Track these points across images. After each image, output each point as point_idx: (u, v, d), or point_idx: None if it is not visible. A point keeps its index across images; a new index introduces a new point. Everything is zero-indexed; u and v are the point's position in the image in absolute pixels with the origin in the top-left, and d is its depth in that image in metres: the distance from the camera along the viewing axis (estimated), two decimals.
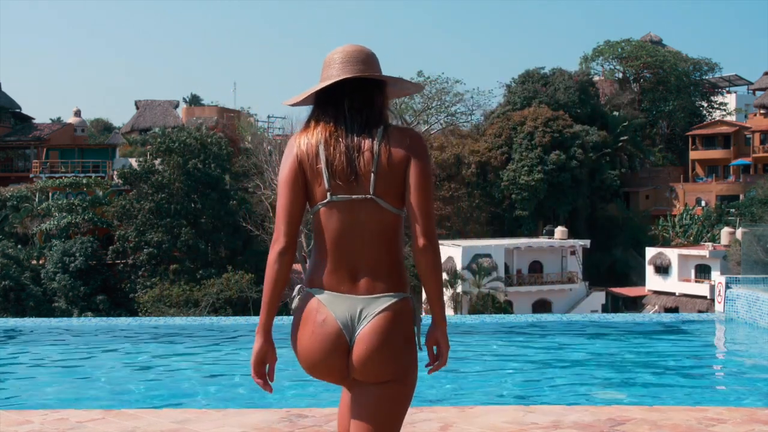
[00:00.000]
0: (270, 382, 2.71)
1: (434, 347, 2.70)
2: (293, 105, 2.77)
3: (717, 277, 14.50)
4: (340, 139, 2.62)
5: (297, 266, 44.40)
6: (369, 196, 2.60)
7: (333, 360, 2.61)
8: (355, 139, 2.62)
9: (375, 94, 2.69)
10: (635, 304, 46.64)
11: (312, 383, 6.64)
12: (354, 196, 2.61)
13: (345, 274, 2.63)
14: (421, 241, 2.60)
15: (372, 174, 2.59)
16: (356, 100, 2.66)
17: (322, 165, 2.61)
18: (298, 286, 2.70)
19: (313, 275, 2.67)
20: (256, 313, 36.02)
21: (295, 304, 2.70)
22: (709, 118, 70.69)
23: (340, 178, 2.60)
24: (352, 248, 2.63)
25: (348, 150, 2.61)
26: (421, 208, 2.59)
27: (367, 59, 2.70)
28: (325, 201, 2.62)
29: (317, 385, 6.55)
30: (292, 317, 2.74)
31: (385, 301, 2.60)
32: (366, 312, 2.59)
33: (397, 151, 2.61)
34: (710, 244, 45.23)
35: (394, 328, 2.59)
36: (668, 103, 67.55)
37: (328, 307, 2.62)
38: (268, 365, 2.70)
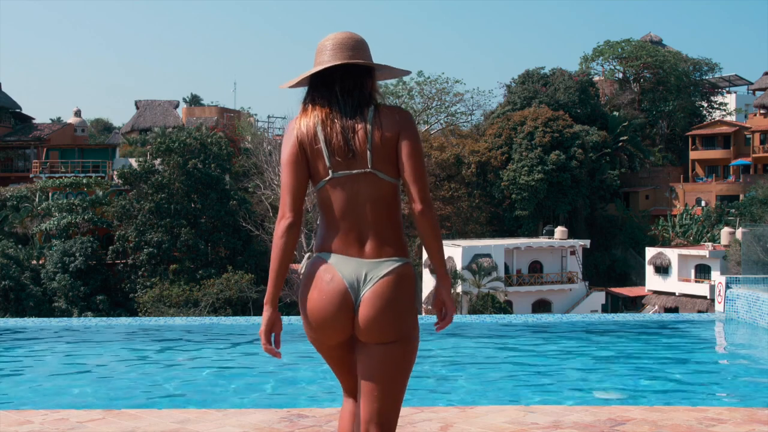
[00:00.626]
0: (277, 349, 2.84)
1: (441, 307, 2.89)
2: (289, 87, 2.96)
3: (717, 277, 14.50)
4: (336, 120, 2.83)
5: (297, 266, 44.40)
6: (368, 169, 2.81)
7: (339, 316, 2.77)
8: (349, 120, 2.83)
9: (364, 78, 2.89)
10: (635, 304, 46.64)
11: (312, 383, 6.63)
12: (354, 171, 2.82)
13: (351, 240, 2.83)
14: (418, 206, 2.82)
15: (368, 151, 2.81)
16: (347, 84, 2.87)
17: (322, 144, 2.82)
18: (307, 254, 2.77)
19: (322, 243, 2.86)
20: (256, 313, 36.07)
21: (303, 269, 2.79)
22: (709, 118, 70.69)
23: (339, 156, 2.82)
24: (356, 217, 2.83)
25: (344, 130, 2.82)
26: (415, 176, 2.81)
27: (357, 45, 2.90)
28: (327, 178, 2.83)
29: (317, 385, 6.55)
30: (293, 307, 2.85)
31: (389, 266, 2.80)
32: (371, 275, 2.78)
33: (388, 127, 2.83)
34: (710, 244, 45.23)
35: (398, 291, 2.78)
36: (668, 103, 67.53)
37: (336, 268, 2.80)
38: (274, 334, 2.84)
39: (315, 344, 2.91)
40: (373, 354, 2.81)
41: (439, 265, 2.89)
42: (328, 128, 2.83)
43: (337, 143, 2.82)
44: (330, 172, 2.83)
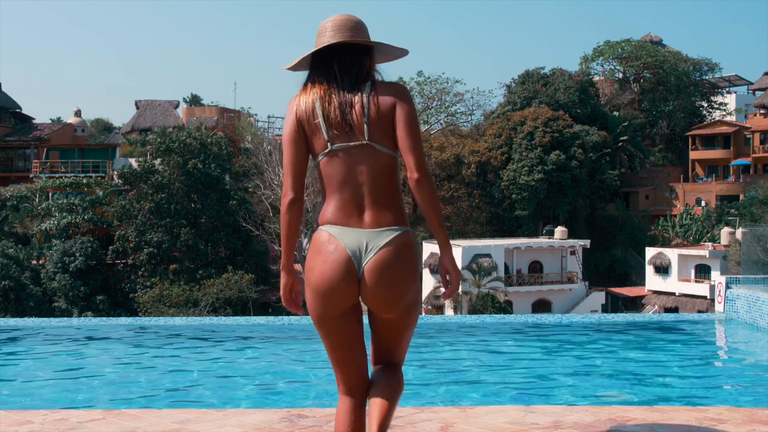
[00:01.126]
0: (299, 305, 3.07)
1: (446, 275, 3.00)
2: (289, 69, 3.07)
3: (717, 277, 14.49)
4: (334, 96, 2.94)
5: (297, 266, 44.38)
6: (365, 141, 2.92)
7: (343, 285, 2.90)
8: (347, 95, 2.94)
9: (363, 57, 3.00)
10: (635, 304, 46.64)
11: (313, 384, 6.63)
12: (352, 143, 2.93)
13: (351, 211, 2.94)
14: (414, 175, 2.90)
15: (365, 124, 2.91)
16: (345, 62, 2.98)
17: (320, 119, 2.93)
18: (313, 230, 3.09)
19: (323, 215, 2.99)
20: (256, 313, 36.01)
21: (305, 244, 2.94)
22: (709, 118, 70.69)
23: (336, 129, 2.93)
24: (355, 189, 2.94)
25: (341, 105, 2.93)
26: (411, 146, 2.90)
27: (356, 26, 3.01)
28: (326, 150, 2.95)
29: (318, 385, 6.55)
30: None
31: (388, 235, 2.92)
32: (371, 245, 2.90)
33: (384, 101, 2.93)
34: (710, 244, 45.22)
35: (398, 259, 2.90)
36: (668, 103, 67.52)
37: (338, 238, 2.92)
38: (294, 293, 3.06)
39: (318, 318, 3.00)
40: (380, 322, 3.01)
41: (439, 234, 2.97)
42: (326, 103, 2.93)
43: (335, 117, 2.92)
44: (328, 145, 2.94)
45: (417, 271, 2.99)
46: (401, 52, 3.11)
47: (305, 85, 3.02)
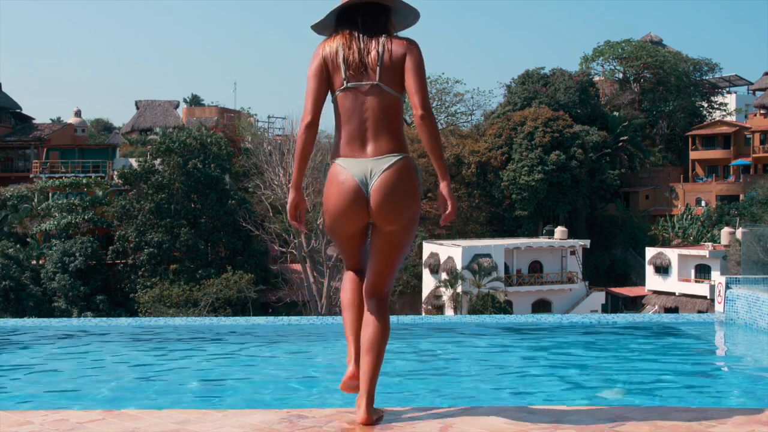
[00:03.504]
0: (302, 221, 3.59)
1: (445, 202, 3.49)
2: (317, 25, 3.58)
3: (717, 277, 14.49)
4: (354, 43, 3.47)
5: (297, 266, 44.34)
6: (375, 82, 3.44)
7: (354, 207, 3.44)
8: (365, 42, 3.47)
9: (381, 16, 3.53)
10: (635, 304, 46.64)
11: (313, 384, 6.63)
12: (364, 83, 3.45)
13: (358, 144, 3.46)
14: (418, 111, 3.40)
15: (378, 67, 3.43)
16: (366, 18, 3.51)
17: (340, 61, 3.45)
18: (326, 165, 3.58)
19: (335, 150, 3.51)
20: (256, 313, 36.01)
21: (323, 175, 3.57)
22: (709, 118, 70.69)
23: (353, 70, 3.45)
24: (361, 123, 3.45)
25: (360, 51, 3.46)
26: (417, 87, 3.41)
27: None
28: (342, 87, 3.47)
29: (318, 385, 6.55)
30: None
31: (389, 160, 3.43)
32: (375, 170, 3.42)
33: (397, 50, 3.46)
34: (710, 244, 45.23)
35: (399, 179, 3.42)
36: (668, 104, 67.51)
37: (347, 169, 3.44)
38: (299, 210, 3.58)
39: (335, 235, 3.59)
40: (382, 236, 3.50)
41: (439, 167, 3.47)
42: (347, 48, 3.46)
43: (353, 60, 3.44)
44: (344, 83, 3.46)
45: (416, 190, 3.49)
46: (414, 16, 3.60)
47: (330, 35, 3.54)
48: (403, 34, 3.65)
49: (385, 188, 3.40)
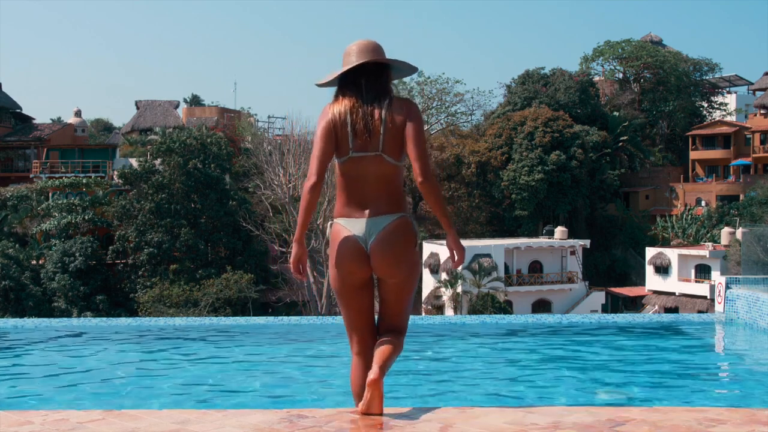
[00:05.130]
0: (304, 273, 3.79)
1: (452, 252, 3.73)
2: (322, 84, 3.78)
3: (717, 277, 14.49)
4: (360, 108, 3.65)
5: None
6: (378, 153, 3.64)
7: (357, 263, 3.68)
8: (370, 107, 3.66)
9: (383, 75, 3.73)
10: (635, 304, 46.63)
11: (313, 384, 6.64)
12: (367, 153, 3.65)
13: (358, 206, 3.69)
14: (419, 178, 3.60)
15: (381, 135, 3.63)
16: (370, 79, 3.70)
17: (348, 128, 3.64)
18: (330, 222, 3.81)
19: (338, 209, 3.75)
20: (256, 314, 36.00)
21: (328, 232, 3.80)
22: (709, 118, 70.67)
23: (359, 138, 3.64)
24: (363, 189, 3.68)
25: (365, 115, 3.64)
26: (417, 155, 3.61)
27: (377, 49, 3.74)
28: (346, 156, 3.67)
29: (318, 385, 6.55)
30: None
31: (386, 219, 3.67)
32: (374, 229, 3.66)
33: (398, 115, 3.65)
34: (710, 244, 45.21)
35: (395, 234, 3.66)
36: (668, 104, 67.51)
37: (348, 228, 3.69)
38: (301, 265, 3.78)
39: (339, 290, 3.77)
40: (387, 286, 3.76)
41: (445, 223, 3.71)
42: (354, 115, 3.65)
43: (360, 127, 3.63)
44: (350, 152, 3.65)
45: (414, 242, 3.70)
46: (411, 70, 3.81)
47: (337, 96, 3.72)
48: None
49: (383, 244, 3.63)
